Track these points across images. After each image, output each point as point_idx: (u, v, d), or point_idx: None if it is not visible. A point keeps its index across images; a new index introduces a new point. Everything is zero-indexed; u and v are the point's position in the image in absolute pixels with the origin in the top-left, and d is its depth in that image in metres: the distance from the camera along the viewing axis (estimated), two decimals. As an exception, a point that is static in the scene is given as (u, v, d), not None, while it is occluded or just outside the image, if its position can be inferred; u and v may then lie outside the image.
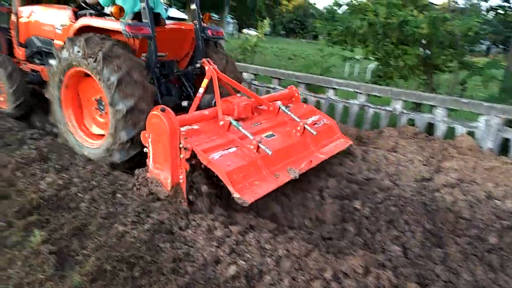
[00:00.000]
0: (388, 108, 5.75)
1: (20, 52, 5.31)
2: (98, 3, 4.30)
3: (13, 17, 5.24)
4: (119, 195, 3.36)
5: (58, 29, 4.64)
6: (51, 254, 2.48)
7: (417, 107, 5.83)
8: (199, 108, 3.93)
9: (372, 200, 3.68)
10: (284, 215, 3.40)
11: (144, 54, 4.07)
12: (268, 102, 4.22)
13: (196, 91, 4.11)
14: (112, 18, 3.83)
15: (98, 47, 3.66)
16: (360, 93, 5.92)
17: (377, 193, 3.85)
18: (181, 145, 3.15)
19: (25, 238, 2.65)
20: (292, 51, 29.72)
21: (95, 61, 3.64)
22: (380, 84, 6.46)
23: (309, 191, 3.75)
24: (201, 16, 4.52)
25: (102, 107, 4.03)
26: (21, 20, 5.18)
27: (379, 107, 5.83)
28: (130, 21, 3.94)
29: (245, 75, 6.86)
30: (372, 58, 6.99)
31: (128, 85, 3.60)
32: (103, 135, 4.03)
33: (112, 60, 3.61)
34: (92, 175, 3.66)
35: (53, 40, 4.68)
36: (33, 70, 5.14)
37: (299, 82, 6.46)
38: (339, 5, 6.92)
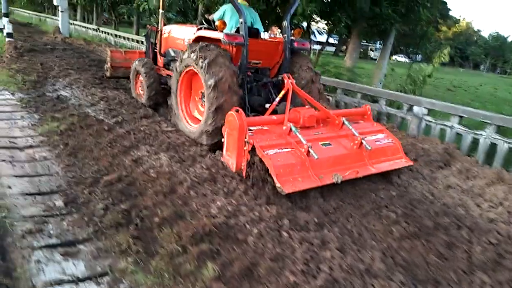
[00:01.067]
0: None
1: (160, 61, 6.78)
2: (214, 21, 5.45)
3: (158, 34, 6.73)
4: (285, 234, 3.10)
5: (186, 42, 5.73)
6: (223, 296, 2.30)
7: None
8: (275, 112, 4.54)
9: None
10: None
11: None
12: (336, 116, 4.60)
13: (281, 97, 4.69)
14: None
15: (205, 53, 4.59)
16: None
17: None
18: (245, 140, 3.85)
19: (198, 268, 2.55)
20: (451, 81, 26.75)
21: (202, 63, 4.56)
22: None
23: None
24: (291, 31, 5.24)
25: (203, 99, 4.83)
26: (163, 36, 6.63)
27: None
28: (228, 32, 4.93)
29: (415, 109, 6.08)
30: None
31: (221, 90, 4.44)
32: (200, 120, 4.94)
33: (212, 64, 4.49)
34: (255, 204, 3.51)
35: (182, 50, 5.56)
36: (168, 75, 6.29)
37: (487, 123, 5.39)
38: None
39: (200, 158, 4.43)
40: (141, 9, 12.24)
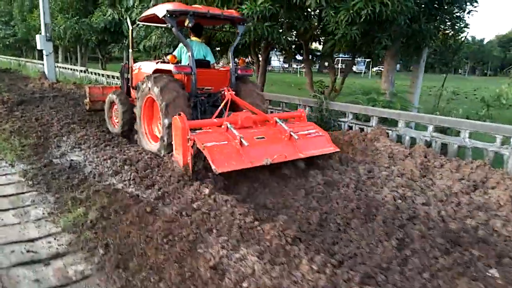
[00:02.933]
0: None
1: (133, 93, 7.35)
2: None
3: (129, 70, 7.44)
4: None
5: None
6: None
7: None
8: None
9: None
10: None
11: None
12: (272, 117, 5.48)
13: (228, 113, 5.57)
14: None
15: (158, 81, 5.54)
16: None
17: None
18: (188, 137, 4.62)
19: None
20: (444, 88, 25.94)
21: (156, 89, 5.50)
22: None
23: None
24: (236, 60, 6.40)
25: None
26: (134, 72, 7.31)
27: None
28: (178, 64, 5.76)
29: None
30: None
31: (172, 110, 5.26)
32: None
33: (164, 90, 5.43)
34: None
35: None
36: None
37: None
38: None
39: (292, 248, 3.24)
40: (141, 48, 11.13)
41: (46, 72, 15.96)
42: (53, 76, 15.98)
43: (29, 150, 6.31)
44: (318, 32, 8.03)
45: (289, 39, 7.68)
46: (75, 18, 15.22)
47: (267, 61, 11.80)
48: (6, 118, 8.49)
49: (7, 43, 30.66)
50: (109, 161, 5.58)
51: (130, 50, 7.47)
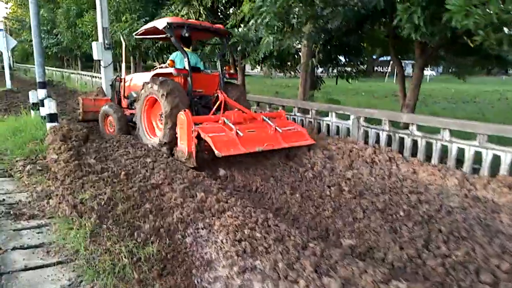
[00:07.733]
0: None
1: (124, 103, 8.48)
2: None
3: (122, 82, 8.58)
4: None
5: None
6: None
7: None
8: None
9: None
10: None
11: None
12: (258, 115, 6.75)
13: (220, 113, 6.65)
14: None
15: (164, 86, 6.38)
16: None
17: None
18: (193, 129, 5.72)
19: None
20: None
21: (161, 93, 6.38)
22: None
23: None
24: (224, 67, 7.55)
25: (161, 117, 6.63)
26: (126, 83, 8.45)
27: None
28: (177, 67, 6.89)
29: None
30: None
31: (175, 113, 6.14)
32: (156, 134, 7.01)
33: (169, 94, 6.30)
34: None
35: None
36: (131, 113, 7.91)
37: None
38: None
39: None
40: (261, 55, 7.88)
41: (104, 87, 12.94)
42: (113, 93, 12.92)
43: (156, 277, 2.96)
44: None
45: None
46: (143, 20, 12.10)
47: (423, 69, 8.28)
48: (80, 174, 5.21)
49: (49, 53, 28.44)
50: None
51: (123, 64, 8.47)
